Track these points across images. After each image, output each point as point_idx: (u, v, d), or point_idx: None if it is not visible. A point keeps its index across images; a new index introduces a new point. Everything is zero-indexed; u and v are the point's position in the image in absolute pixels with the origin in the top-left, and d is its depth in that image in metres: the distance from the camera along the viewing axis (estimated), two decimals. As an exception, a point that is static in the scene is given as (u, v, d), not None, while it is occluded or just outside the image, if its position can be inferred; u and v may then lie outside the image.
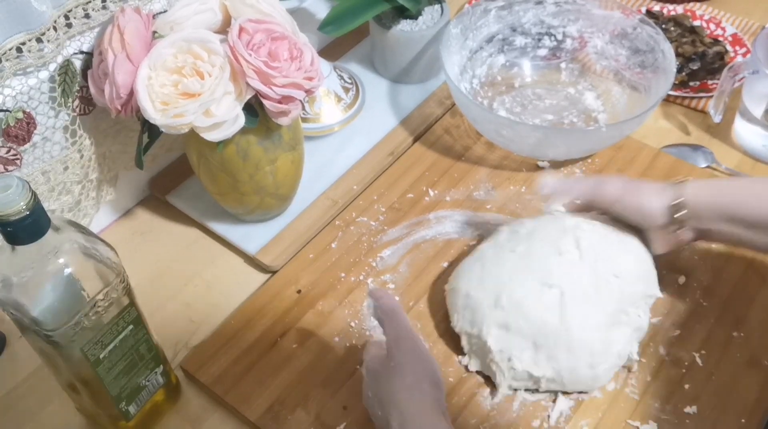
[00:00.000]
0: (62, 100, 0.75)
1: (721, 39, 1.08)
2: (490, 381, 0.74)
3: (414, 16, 1.01)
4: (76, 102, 0.77)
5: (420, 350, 0.65)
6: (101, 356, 0.62)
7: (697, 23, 1.10)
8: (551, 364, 0.70)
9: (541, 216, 0.80)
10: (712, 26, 1.10)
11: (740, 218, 0.70)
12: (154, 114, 0.70)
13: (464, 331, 0.74)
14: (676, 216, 0.72)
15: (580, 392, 0.72)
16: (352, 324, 0.78)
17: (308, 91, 0.74)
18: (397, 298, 0.73)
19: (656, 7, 1.14)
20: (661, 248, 0.76)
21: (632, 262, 0.75)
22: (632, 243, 0.76)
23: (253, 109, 0.75)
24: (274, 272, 0.85)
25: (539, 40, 1.04)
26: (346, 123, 0.98)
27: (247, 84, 0.71)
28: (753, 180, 0.82)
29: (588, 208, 0.80)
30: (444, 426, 0.60)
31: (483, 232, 0.86)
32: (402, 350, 0.64)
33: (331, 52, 1.09)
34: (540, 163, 0.94)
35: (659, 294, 0.76)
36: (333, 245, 0.86)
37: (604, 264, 0.73)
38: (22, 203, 0.52)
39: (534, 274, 0.73)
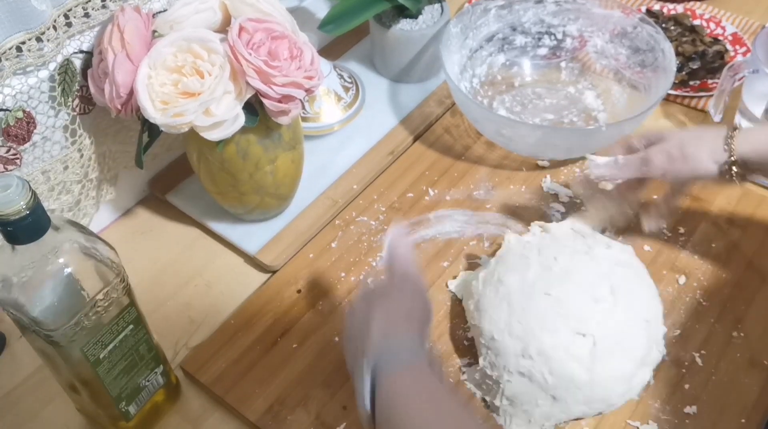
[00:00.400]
0: (62, 99, 0.75)
1: (721, 38, 1.08)
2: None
3: (414, 15, 1.01)
4: (76, 101, 0.77)
5: (422, 287, 0.66)
6: (101, 356, 0.62)
7: (697, 22, 1.10)
8: (566, 413, 0.69)
9: (574, 253, 0.75)
10: (712, 25, 1.10)
11: None
12: (153, 113, 0.70)
13: (484, 369, 0.72)
14: (734, 174, 0.71)
15: None
16: (352, 324, 0.78)
17: (308, 91, 0.74)
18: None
19: (656, 6, 1.14)
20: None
21: (661, 305, 0.75)
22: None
23: (253, 108, 0.74)
24: (274, 272, 0.85)
25: (539, 39, 1.04)
26: (346, 122, 0.98)
27: (247, 83, 0.71)
28: None
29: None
30: (423, 349, 0.60)
31: (483, 232, 0.86)
32: (404, 280, 0.65)
33: (331, 51, 1.09)
34: (540, 163, 0.94)
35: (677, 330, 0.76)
36: (333, 245, 0.86)
37: (637, 310, 0.72)
38: (21, 203, 0.52)
39: (567, 323, 0.69)
